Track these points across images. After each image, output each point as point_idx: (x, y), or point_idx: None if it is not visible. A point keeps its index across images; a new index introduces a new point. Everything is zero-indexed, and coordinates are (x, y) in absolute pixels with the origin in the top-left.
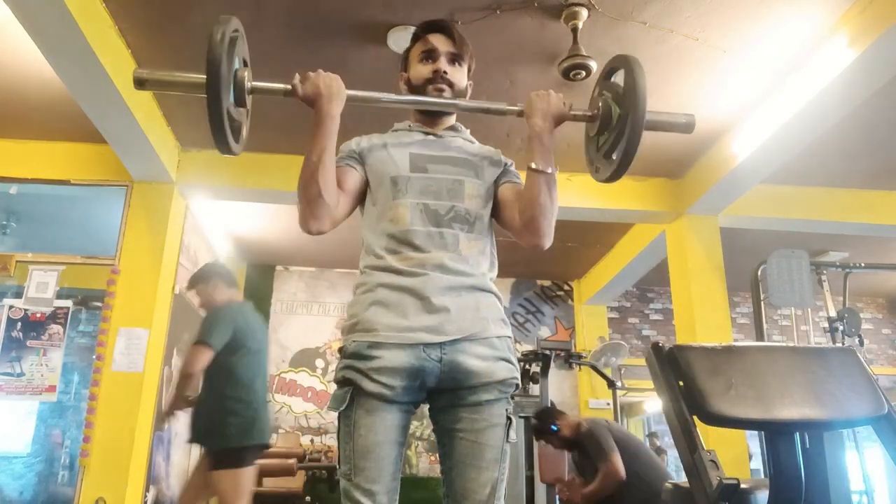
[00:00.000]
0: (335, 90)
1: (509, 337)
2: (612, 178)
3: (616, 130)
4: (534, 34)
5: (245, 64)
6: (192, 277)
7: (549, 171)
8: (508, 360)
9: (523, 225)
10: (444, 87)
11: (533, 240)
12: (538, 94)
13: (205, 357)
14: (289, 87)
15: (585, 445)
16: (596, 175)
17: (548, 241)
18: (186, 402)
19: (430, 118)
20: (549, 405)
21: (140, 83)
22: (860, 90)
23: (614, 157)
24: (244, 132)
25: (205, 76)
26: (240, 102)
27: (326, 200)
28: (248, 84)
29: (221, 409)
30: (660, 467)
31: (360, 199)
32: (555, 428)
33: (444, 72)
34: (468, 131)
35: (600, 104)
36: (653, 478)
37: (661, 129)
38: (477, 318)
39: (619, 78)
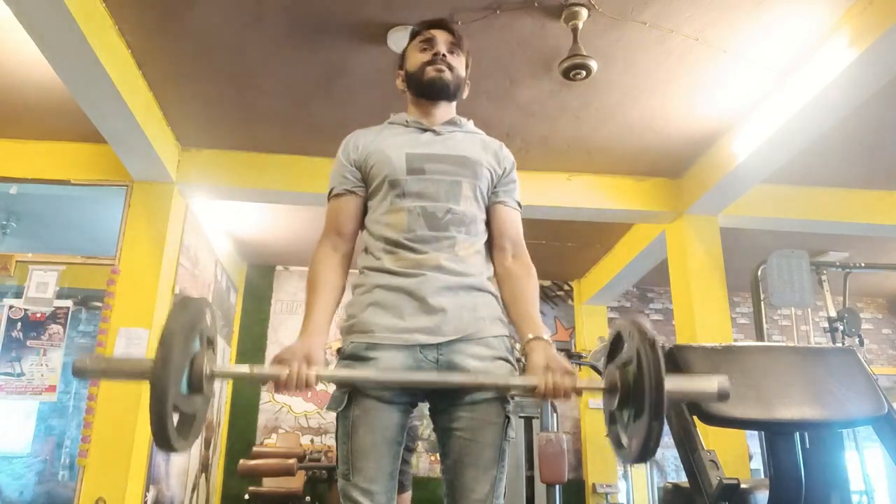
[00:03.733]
0: (311, 387)
1: (507, 336)
2: (638, 460)
3: (634, 406)
4: (534, 34)
5: (210, 343)
6: None
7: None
8: (506, 360)
9: (499, 281)
10: (444, 67)
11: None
12: (545, 383)
13: None
14: (261, 374)
15: None
16: (619, 452)
17: None
18: None
19: (428, 102)
20: None
21: (80, 373)
22: (860, 90)
23: (634, 439)
24: (197, 423)
25: (150, 362)
26: (195, 390)
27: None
28: (208, 370)
29: None
30: None
31: (364, 212)
32: None
33: (444, 55)
34: (471, 122)
35: (618, 376)
36: None
37: (690, 400)
38: (474, 319)
39: (628, 347)
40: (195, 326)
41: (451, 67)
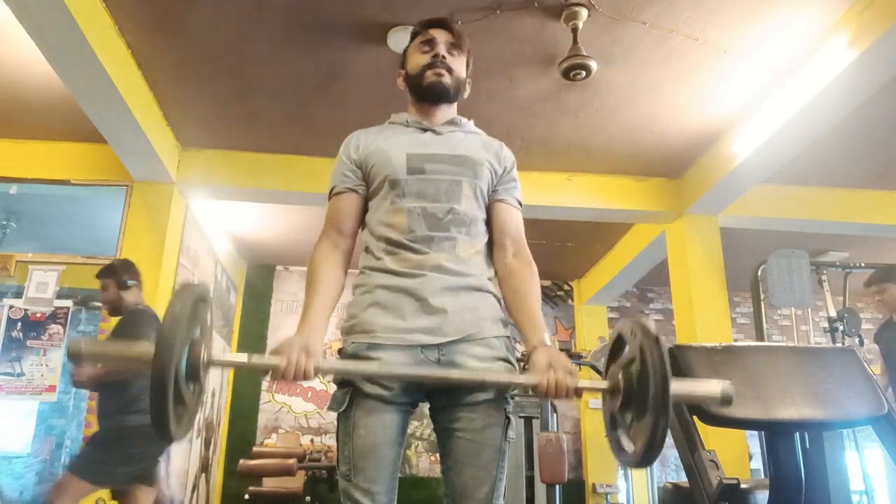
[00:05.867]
0: (309, 377)
1: (508, 337)
2: (641, 464)
3: (638, 408)
4: (534, 34)
5: (204, 332)
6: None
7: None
8: (507, 360)
9: (500, 279)
10: (443, 70)
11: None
12: (548, 381)
13: None
14: (259, 364)
15: (121, 324)
16: (620, 455)
17: None
18: None
19: (428, 104)
20: (129, 263)
21: (75, 356)
22: (860, 90)
23: (638, 440)
24: (192, 412)
25: (152, 350)
26: (192, 377)
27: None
28: (205, 357)
29: None
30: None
31: (365, 211)
32: (129, 283)
33: (444, 56)
34: (471, 122)
35: (620, 377)
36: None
37: (694, 403)
38: (475, 319)
39: (631, 346)
40: (195, 313)
41: (450, 70)
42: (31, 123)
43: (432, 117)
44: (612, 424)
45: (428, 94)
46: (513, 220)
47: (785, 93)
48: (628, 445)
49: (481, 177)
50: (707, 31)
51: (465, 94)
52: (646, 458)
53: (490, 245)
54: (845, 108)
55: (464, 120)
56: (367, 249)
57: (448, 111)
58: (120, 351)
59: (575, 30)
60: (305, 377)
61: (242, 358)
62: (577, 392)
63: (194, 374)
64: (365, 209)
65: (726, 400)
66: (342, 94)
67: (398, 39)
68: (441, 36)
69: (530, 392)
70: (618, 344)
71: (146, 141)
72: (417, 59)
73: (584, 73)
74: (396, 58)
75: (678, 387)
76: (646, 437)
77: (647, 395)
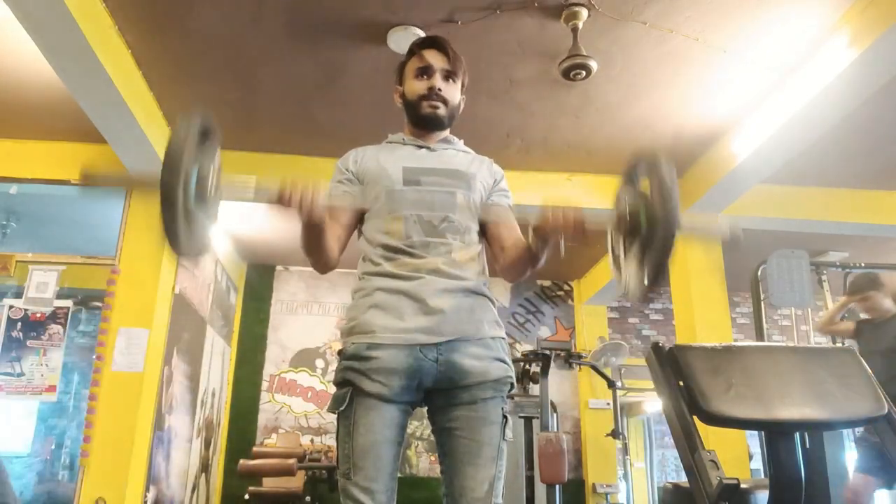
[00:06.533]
0: (315, 212)
1: (503, 338)
2: (644, 295)
3: (643, 239)
4: (534, 34)
5: (211, 158)
6: None
7: (542, 258)
8: (503, 360)
9: (502, 270)
10: (439, 103)
11: (506, 280)
12: (552, 212)
13: None
14: (268, 189)
15: None
16: (626, 292)
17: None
18: None
19: (423, 130)
20: None
21: (87, 179)
22: (860, 90)
23: (644, 270)
24: (208, 235)
25: (159, 173)
26: (201, 200)
27: (329, 261)
28: (213, 185)
29: None
30: None
31: (359, 219)
32: None
33: (439, 89)
34: (461, 142)
35: (627, 207)
36: None
37: (698, 235)
38: (471, 320)
39: (641, 177)
40: (202, 137)
41: (445, 102)
42: (31, 123)
43: (427, 139)
44: (617, 264)
45: (424, 124)
46: (508, 216)
47: (785, 93)
48: (636, 278)
49: (474, 189)
50: (707, 32)
51: (460, 112)
52: (654, 281)
53: (486, 250)
54: (845, 108)
55: (456, 139)
56: (364, 258)
57: (442, 131)
58: (131, 175)
59: (575, 30)
60: (312, 208)
61: (250, 182)
62: (584, 224)
63: (203, 195)
64: (361, 217)
65: (735, 238)
66: (342, 94)
67: (398, 39)
68: (437, 62)
69: (538, 242)
70: (631, 171)
71: (146, 141)
72: (414, 87)
73: (584, 73)
74: (396, 58)
75: (686, 219)
76: (656, 256)
77: (656, 217)
